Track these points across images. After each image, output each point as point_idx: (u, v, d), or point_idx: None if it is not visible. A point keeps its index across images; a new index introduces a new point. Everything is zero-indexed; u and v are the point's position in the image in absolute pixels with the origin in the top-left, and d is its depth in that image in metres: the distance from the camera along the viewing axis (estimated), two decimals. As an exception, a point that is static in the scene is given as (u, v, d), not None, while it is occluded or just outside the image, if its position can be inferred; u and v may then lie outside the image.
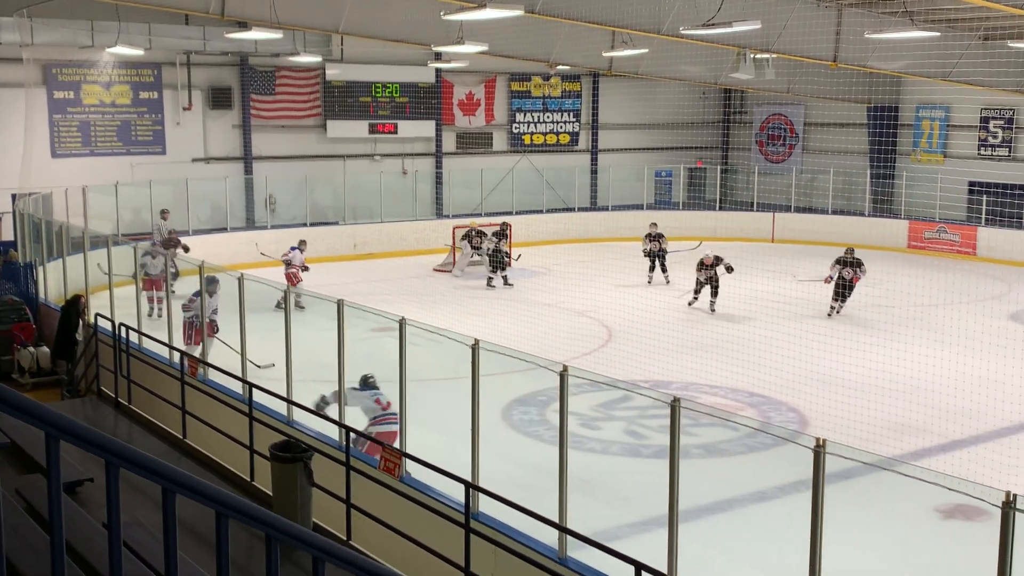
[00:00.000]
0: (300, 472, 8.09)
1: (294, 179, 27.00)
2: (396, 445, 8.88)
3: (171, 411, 11.36)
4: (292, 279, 19.29)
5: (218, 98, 26.62)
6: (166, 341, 11.99)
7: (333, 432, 9.13)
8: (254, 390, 9.85)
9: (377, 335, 10.66)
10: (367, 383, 10.04)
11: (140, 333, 12.52)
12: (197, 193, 24.92)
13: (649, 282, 22.32)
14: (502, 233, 23.29)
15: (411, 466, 8.16)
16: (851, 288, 18.87)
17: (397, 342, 8.70)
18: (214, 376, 11.06)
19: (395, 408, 9.26)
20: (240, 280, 10.84)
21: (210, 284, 13.36)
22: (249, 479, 9.70)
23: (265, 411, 9.91)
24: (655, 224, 23.33)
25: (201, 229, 24.66)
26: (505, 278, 22.57)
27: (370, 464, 8.43)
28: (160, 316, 16.50)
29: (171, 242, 20.73)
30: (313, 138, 28.45)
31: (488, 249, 22.58)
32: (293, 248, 20.20)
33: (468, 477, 7.67)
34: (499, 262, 22.46)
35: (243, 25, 20.77)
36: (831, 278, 18.99)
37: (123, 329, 12.41)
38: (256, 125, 27.33)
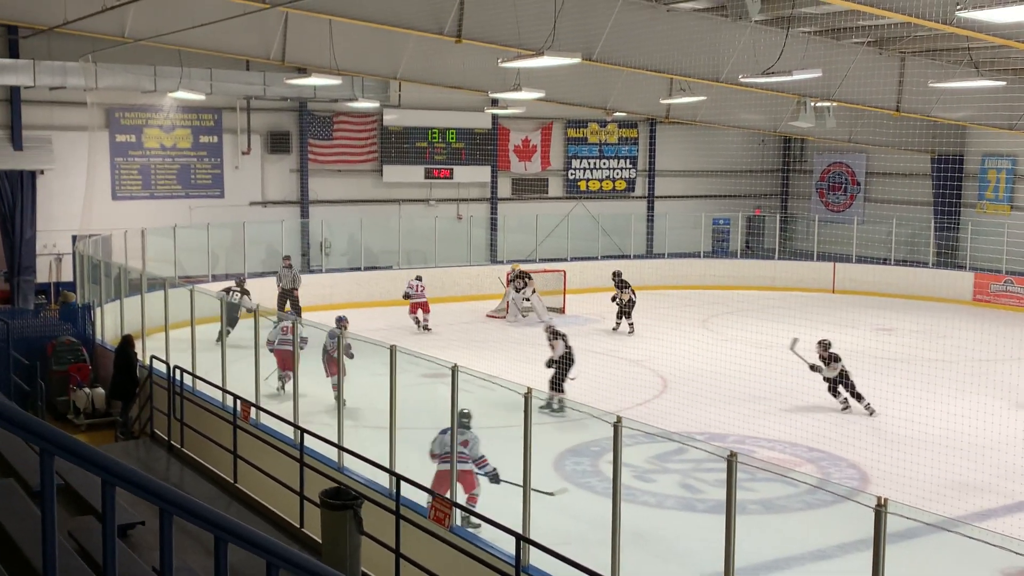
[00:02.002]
0: (350, 520, 8.13)
1: (349, 223, 27.35)
2: (459, 488, 9.06)
3: (223, 455, 11.47)
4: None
5: (276, 142, 27.13)
6: (219, 384, 12.15)
7: (383, 479, 9.16)
8: (306, 435, 9.93)
9: (430, 381, 10.71)
10: (461, 422, 9.88)
11: (194, 376, 12.71)
12: (254, 236, 25.32)
13: (615, 329, 22.75)
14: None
15: (461, 518, 8.15)
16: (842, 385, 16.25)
17: (449, 388, 8.73)
18: (266, 420, 11.17)
19: (469, 450, 9.94)
20: (293, 325, 10.98)
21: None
22: (299, 525, 9.75)
23: (316, 457, 9.98)
24: (619, 272, 23.48)
25: (255, 272, 25.02)
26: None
27: (421, 514, 8.43)
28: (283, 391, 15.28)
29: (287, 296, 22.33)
30: (369, 183, 28.84)
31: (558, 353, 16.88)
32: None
33: (519, 529, 7.64)
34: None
35: (303, 71, 21.22)
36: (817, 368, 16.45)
37: (177, 372, 12.61)
38: (313, 169, 27.78)
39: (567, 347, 16.30)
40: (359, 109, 27.32)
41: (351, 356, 14.72)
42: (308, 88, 24.69)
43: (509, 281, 24.42)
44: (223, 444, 11.43)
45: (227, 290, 20.04)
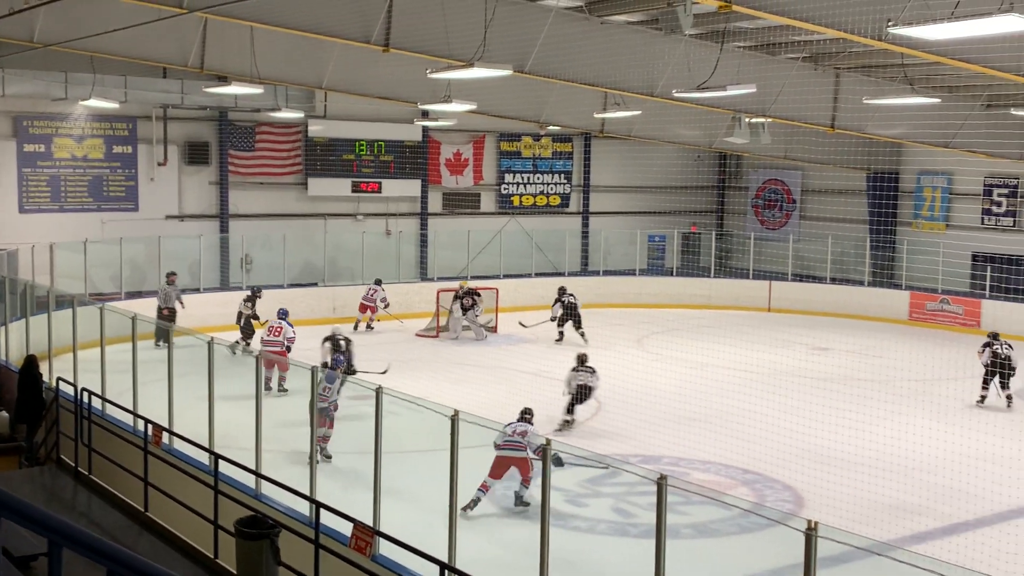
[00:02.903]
0: (266, 550, 8.00)
1: (272, 238, 27.06)
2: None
3: (133, 482, 11.23)
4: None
5: (195, 153, 26.78)
6: (130, 408, 11.90)
7: (303, 508, 9.03)
8: (220, 461, 9.77)
9: (355, 403, 10.63)
10: (522, 417, 12.24)
11: (104, 399, 12.43)
12: (170, 252, 24.93)
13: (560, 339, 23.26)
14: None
15: (384, 545, 8.07)
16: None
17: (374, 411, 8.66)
18: (179, 446, 10.97)
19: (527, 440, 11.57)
20: (210, 344, 10.82)
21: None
22: (213, 556, 9.57)
23: (232, 484, 9.81)
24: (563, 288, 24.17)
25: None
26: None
27: (342, 543, 8.33)
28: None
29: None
30: (293, 196, 28.59)
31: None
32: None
33: (444, 557, 7.59)
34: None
35: (223, 79, 20.97)
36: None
37: (85, 394, 12.32)
38: (234, 182, 27.46)
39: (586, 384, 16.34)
40: (282, 119, 27.09)
41: (284, 391, 14.78)
42: (228, 97, 24.44)
43: (456, 298, 24.39)
44: (133, 471, 11.19)
45: (246, 299, 21.24)
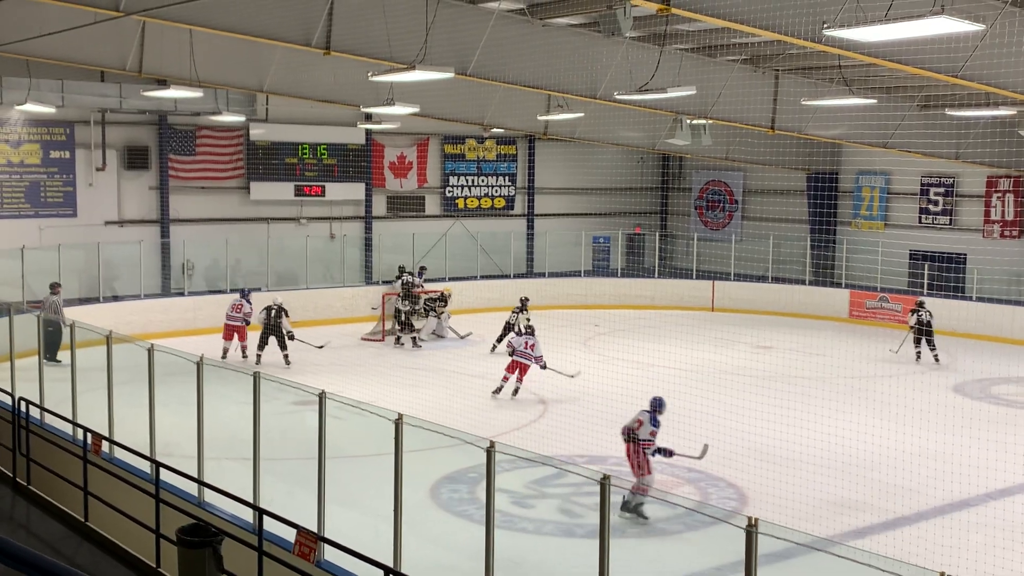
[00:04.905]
0: (209, 558, 7.90)
1: (214, 243, 26.77)
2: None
3: (73, 491, 11.06)
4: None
5: (134, 158, 26.41)
6: (70, 417, 11.71)
7: (247, 514, 8.95)
8: (162, 469, 9.65)
9: (298, 409, 10.56)
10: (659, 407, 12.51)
11: (42, 408, 12.22)
12: (109, 258, 24.57)
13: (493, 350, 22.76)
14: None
15: (329, 551, 8.02)
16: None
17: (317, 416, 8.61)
18: (120, 454, 10.81)
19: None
20: (150, 351, 10.68)
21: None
22: (155, 565, 9.45)
23: (174, 491, 9.70)
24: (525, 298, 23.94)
25: (111, 296, 24.30)
26: (414, 339, 23.51)
27: (286, 549, 8.27)
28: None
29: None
30: (235, 200, 28.31)
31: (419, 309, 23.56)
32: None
33: (390, 562, 7.56)
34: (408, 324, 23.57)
35: (162, 83, 20.75)
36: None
37: (23, 403, 12.10)
38: (174, 187, 27.13)
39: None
40: (223, 123, 26.82)
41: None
42: (168, 101, 24.16)
43: (438, 301, 24.66)
44: (73, 480, 11.01)
45: (268, 308, 21.12)
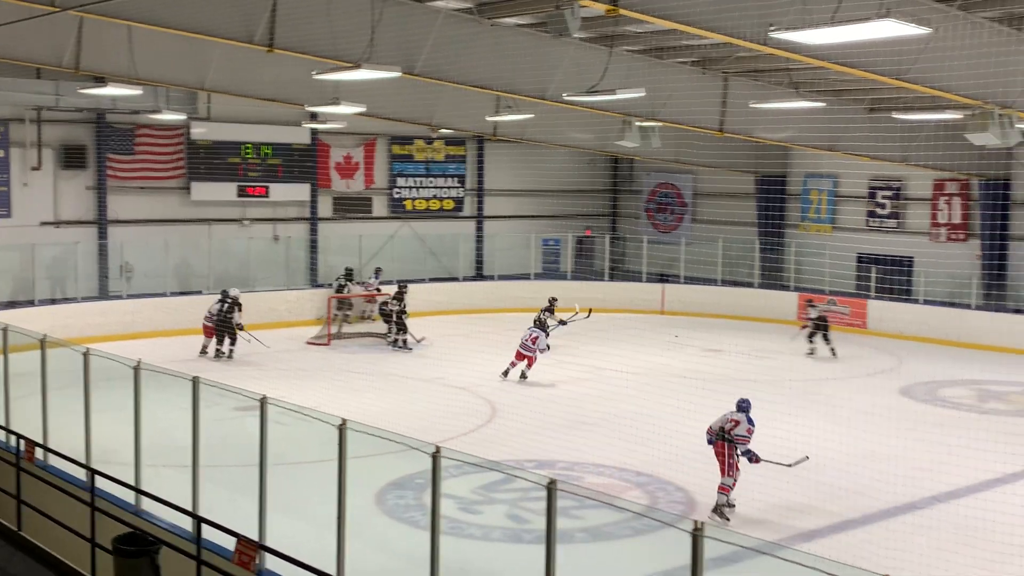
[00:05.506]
0: (146, 567, 7.80)
1: (154, 245, 26.42)
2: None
3: (5, 500, 10.87)
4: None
5: (71, 157, 25.98)
6: (2, 423, 11.50)
7: (185, 523, 8.84)
8: (98, 477, 9.51)
9: (240, 415, 10.44)
10: (741, 407, 12.68)
11: (-28, 414, 11.99)
12: (45, 260, 24.16)
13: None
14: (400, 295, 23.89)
15: (270, 560, 7.95)
16: None
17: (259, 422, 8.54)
18: (55, 461, 10.64)
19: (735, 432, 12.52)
20: (85, 356, 10.53)
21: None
22: (90, 575, 9.30)
23: (111, 500, 9.57)
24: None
25: (47, 299, 23.91)
26: (406, 341, 23.59)
27: (226, 558, 8.18)
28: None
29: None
30: (176, 201, 27.94)
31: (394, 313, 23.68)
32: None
33: (332, 570, 7.51)
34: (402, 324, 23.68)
35: (100, 80, 20.44)
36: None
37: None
38: (113, 187, 26.73)
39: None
40: (164, 121, 26.48)
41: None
42: (106, 98, 23.82)
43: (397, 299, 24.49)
44: (5, 488, 10.82)
45: (222, 300, 22.07)
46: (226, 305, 21.96)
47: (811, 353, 23.21)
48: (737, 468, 12.53)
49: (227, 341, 21.93)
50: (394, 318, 23.78)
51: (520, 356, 20.37)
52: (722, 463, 12.52)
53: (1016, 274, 26.18)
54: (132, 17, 15.40)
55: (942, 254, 27.10)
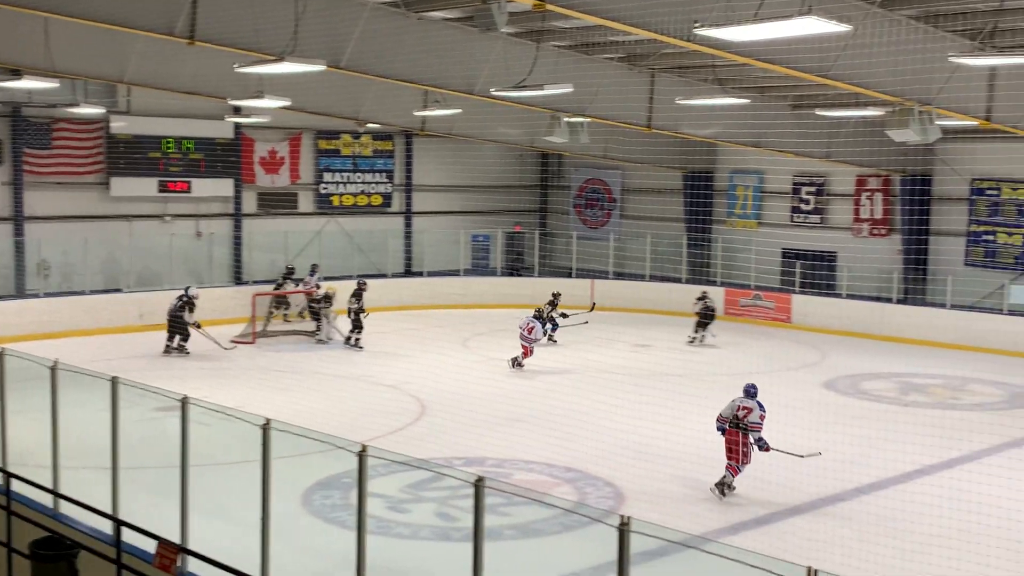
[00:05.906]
0: (64, 572, 7.66)
1: (72, 242, 25.87)
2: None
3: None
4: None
5: (-15, 152, 25.33)
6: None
7: (105, 526, 8.69)
8: (14, 480, 9.30)
9: (161, 415, 10.29)
10: (749, 392, 13.06)
11: None
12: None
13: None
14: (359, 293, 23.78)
15: (193, 563, 7.85)
16: None
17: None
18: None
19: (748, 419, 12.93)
20: (1, 356, 10.28)
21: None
22: (6, 582, 9.09)
23: (27, 503, 9.36)
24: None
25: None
26: (358, 340, 23.42)
27: (147, 561, 8.05)
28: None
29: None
30: (95, 196, 27.37)
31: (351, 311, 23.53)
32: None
33: (257, 572, 7.44)
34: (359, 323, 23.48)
35: (15, 72, 19.92)
36: None
37: None
38: (29, 182, 26.10)
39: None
40: (82, 115, 25.92)
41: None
42: (21, 92, 23.27)
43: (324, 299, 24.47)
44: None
45: (180, 296, 22.29)
46: (180, 303, 22.16)
47: (690, 342, 24.41)
48: (750, 458, 12.76)
49: (177, 338, 22.14)
50: (351, 316, 23.58)
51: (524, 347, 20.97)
52: (735, 451, 12.72)
53: (936, 268, 26.83)
54: (48, 8, 15.05)
55: (865, 249, 27.69)
